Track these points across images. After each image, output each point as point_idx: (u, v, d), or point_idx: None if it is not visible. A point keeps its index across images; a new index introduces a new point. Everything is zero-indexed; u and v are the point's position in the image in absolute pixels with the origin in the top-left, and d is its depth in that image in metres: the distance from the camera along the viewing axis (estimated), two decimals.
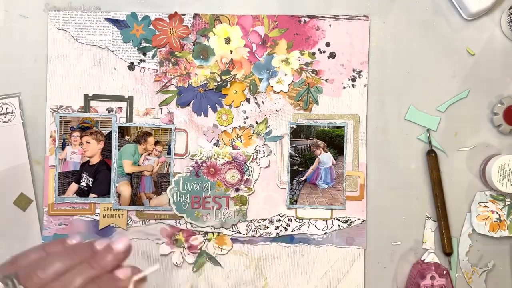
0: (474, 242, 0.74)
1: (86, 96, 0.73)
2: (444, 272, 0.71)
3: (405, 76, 0.74)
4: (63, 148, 0.73)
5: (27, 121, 0.73)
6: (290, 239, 0.73)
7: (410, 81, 0.74)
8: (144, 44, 0.73)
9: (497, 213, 0.72)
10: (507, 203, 0.73)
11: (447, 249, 0.73)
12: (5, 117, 0.72)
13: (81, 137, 0.73)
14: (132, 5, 0.74)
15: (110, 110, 0.73)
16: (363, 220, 0.72)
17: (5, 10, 0.73)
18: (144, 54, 0.73)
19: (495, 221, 0.72)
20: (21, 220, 0.73)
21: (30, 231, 0.73)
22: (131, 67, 0.73)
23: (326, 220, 0.73)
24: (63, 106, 0.73)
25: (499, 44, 0.74)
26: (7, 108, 0.72)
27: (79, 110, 0.73)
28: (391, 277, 0.74)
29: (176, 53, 0.73)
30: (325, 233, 0.73)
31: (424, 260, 0.72)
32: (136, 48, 0.73)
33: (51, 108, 0.73)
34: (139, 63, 0.73)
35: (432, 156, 0.72)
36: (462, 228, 0.74)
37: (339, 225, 0.73)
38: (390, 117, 0.74)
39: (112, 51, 0.73)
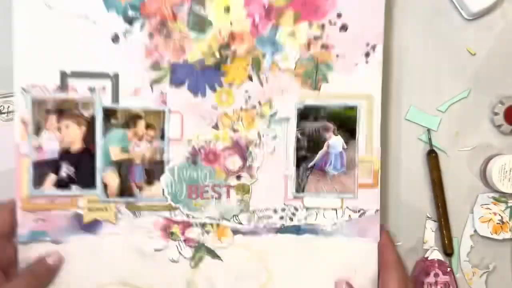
0: (475, 243, 0.75)
1: (63, 73, 0.64)
2: (448, 269, 0.72)
3: (405, 76, 0.73)
4: (37, 134, 0.64)
5: None
6: (296, 230, 0.68)
7: (410, 81, 0.74)
8: (130, 13, 0.64)
9: (499, 215, 0.74)
10: (510, 204, 0.74)
11: (448, 249, 0.73)
12: (7, 116, 0.69)
13: (58, 121, 0.64)
14: None
15: (92, 90, 0.64)
16: (377, 210, 0.68)
17: None
18: (131, 24, 0.64)
19: (497, 223, 0.74)
20: None
21: None
22: (115, 39, 0.64)
23: (336, 209, 0.68)
24: (36, 85, 0.63)
25: (500, 44, 0.74)
26: (8, 106, 0.69)
27: (56, 90, 0.64)
28: None
29: (168, 23, 0.65)
30: (335, 224, 0.68)
31: (427, 257, 0.72)
32: (121, 17, 0.64)
33: (21, 87, 0.63)
34: (125, 35, 0.64)
35: (432, 156, 0.73)
36: (464, 229, 0.75)
37: (350, 215, 0.68)
38: (390, 117, 0.74)
39: (93, 21, 0.64)
